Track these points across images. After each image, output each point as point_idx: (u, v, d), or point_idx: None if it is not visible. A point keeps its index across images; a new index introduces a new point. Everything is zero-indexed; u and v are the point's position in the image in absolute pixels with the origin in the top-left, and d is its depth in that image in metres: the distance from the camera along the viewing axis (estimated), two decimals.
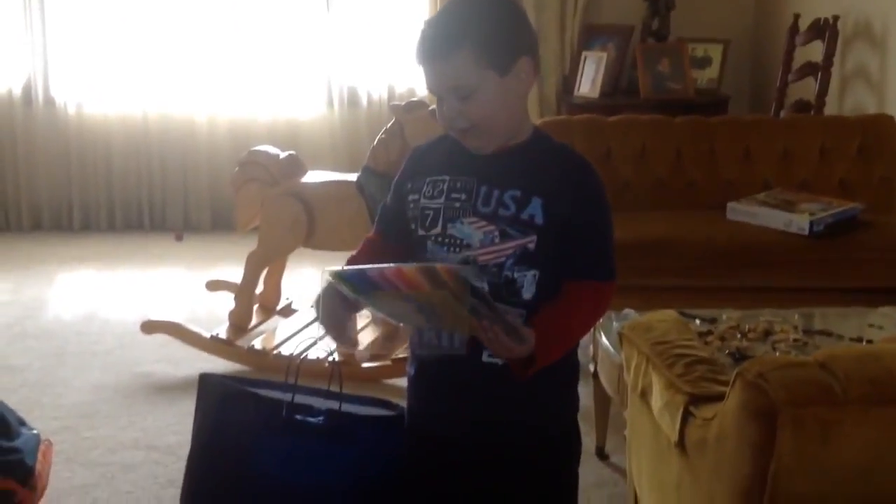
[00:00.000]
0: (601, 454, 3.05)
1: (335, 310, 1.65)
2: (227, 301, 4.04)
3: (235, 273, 4.05)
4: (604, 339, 2.86)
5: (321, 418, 1.88)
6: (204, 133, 5.61)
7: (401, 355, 3.53)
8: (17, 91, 5.56)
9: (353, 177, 3.84)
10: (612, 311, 2.92)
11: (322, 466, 1.85)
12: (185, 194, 5.72)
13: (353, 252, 1.82)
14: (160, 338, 3.87)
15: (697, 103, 5.13)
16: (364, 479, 1.85)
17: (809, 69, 4.79)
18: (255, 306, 4.04)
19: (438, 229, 1.69)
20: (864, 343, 2.64)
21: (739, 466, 1.68)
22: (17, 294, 4.65)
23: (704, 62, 5.49)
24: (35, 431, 2.79)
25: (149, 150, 5.63)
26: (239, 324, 3.91)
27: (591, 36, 5.55)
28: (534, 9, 5.35)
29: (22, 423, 2.80)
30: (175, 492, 2.20)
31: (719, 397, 1.83)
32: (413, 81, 5.57)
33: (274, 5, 5.56)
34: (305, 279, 4.67)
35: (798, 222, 3.67)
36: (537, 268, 1.66)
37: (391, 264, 1.53)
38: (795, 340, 2.64)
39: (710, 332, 2.68)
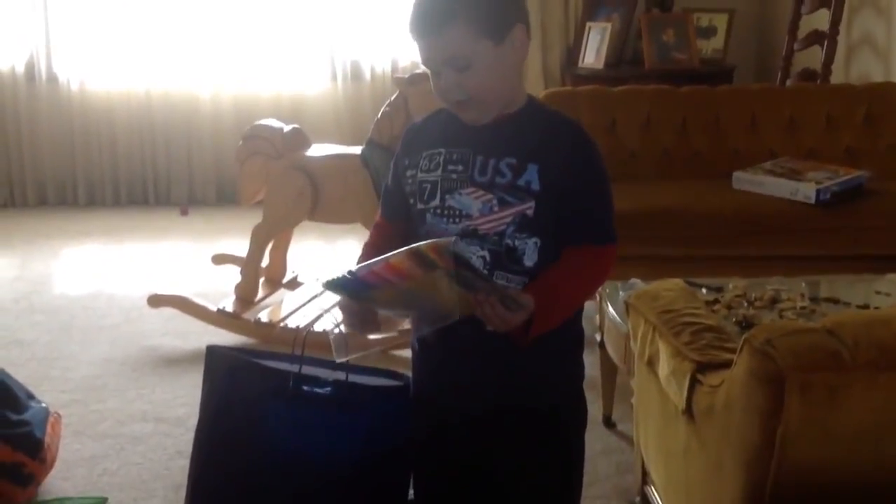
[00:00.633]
0: (608, 423, 3.06)
1: (350, 305, 1.68)
2: (233, 274, 4.05)
3: (241, 247, 4.05)
4: (610, 308, 2.86)
5: (328, 389, 1.88)
6: (208, 108, 5.60)
7: (407, 326, 3.53)
8: (21, 68, 5.55)
9: (357, 150, 3.84)
10: (619, 280, 2.92)
11: (330, 436, 1.86)
12: (189, 169, 5.72)
13: (367, 240, 1.84)
14: (167, 311, 3.88)
15: (702, 73, 5.10)
16: (371, 449, 1.85)
17: (815, 38, 4.76)
18: (261, 279, 4.05)
19: (437, 202, 1.69)
20: (871, 310, 2.64)
21: (747, 433, 1.68)
22: (23, 269, 4.66)
23: (709, 32, 5.46)
24: (43, 404, 2.81)
25: (153, 125, 5.63)
26: (245, 297, 3.92)
27: (595, 6, 5.51)
28: None
29: (30, 396, 2.82)
30: (184, 462, 2.21)
31: (726, 364, 1.83)
32: (416, 55, 5.50)
33: None
34: (311, 252, 4.69)
35: (804, 191, 3.66)
36: (538, 235, 1.65)
37: (378, 259, 1.54)
38: (802, 308, 2.64)
39: (716, 301, 2.67)
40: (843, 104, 4.10)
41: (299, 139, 3.96)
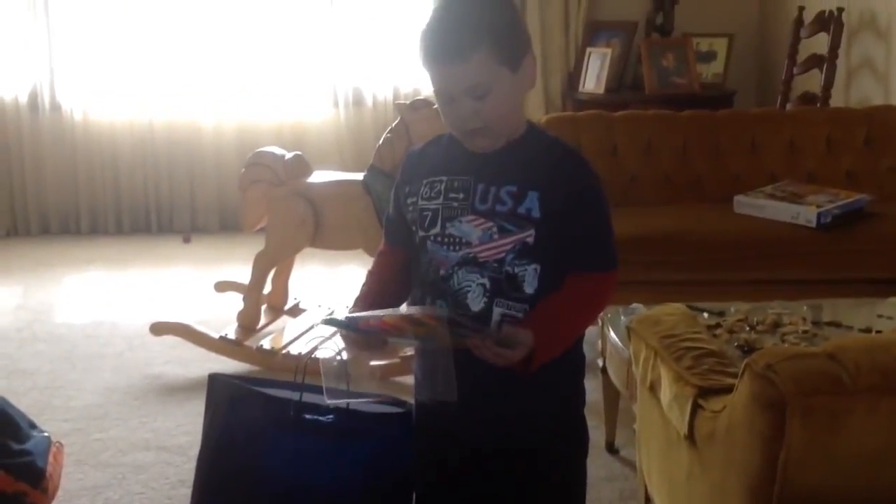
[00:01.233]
0: (611, 448, 3.05)
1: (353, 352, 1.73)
2: (235, 302, 4.05)
3: (243, 274, 4.06)
4: (612, 333, 2.86)
5: (330, 416, 1.88)
6: (210, 136, 5.63)
7: (408, 352, 3.52)
8: (24, 98, 5.58)
9: (359, 176, 3.85)
10: (620, 305, 2.92)
11: (332, 464, 1.85)
12: (192, 197, 5.73)
13: (371, 267, 1.85)
14: (169, 339, 3.88)
15: (703, 98, 5.12)
16: (374, 476, 1.85)
17: (815, 62, 4.78)
18: (264, 306, 4.05)
19: (437, 229, 1.69)
20: (873, 333, 2.63)
21: (749, 458, 1.68)
22: (26, 298, 4.67)
23: (709, 56, 5.49)
24: (46, 434, 2.80)
25: (155, 153, 5.65)
26: (247, 324, 3.92)
27: (595, 32, 5.55)
28: (538, 5, 5.36)
29: (32, 425, 2.82)
30: (186, 491, 2.21)
31: (728, 389, 1.83)
32: (417, 81, 5.57)
33: (277, 8, 5.57)
34: (313, 279, 4.69)
35: (805, 214, 3.66)
36: (538, 262, 1.66)
37: (376, 315, 1.58)
38: (804, 332, 2.63)
39: (718, 326, 2.67)
40: (843, 127, 4.11)
41: (301, 166, 3.98)
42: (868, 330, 2.68)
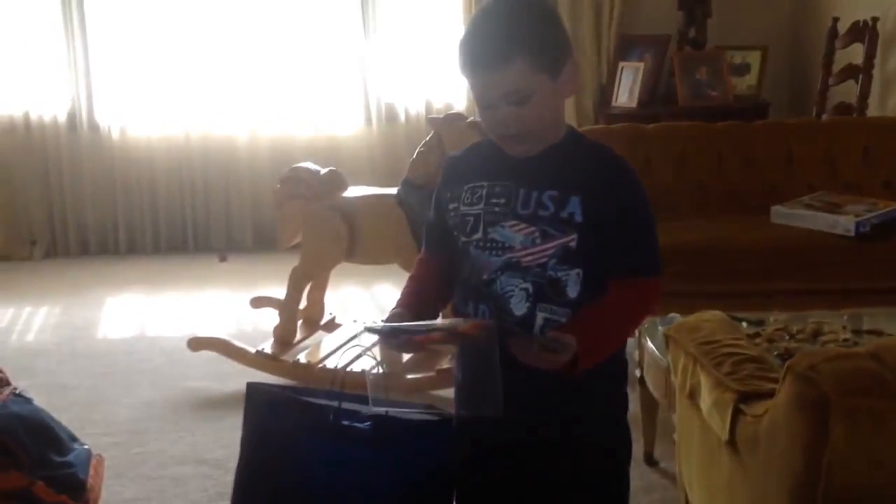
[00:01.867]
0: (650, 460, 3.02)
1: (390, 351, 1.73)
2: (271, 317, 4.07)
3: (279, 291, 4.08)
4: (649, 343, 2.84)
5: (368, 424, 1.88)
6: (245, 152, 5.68)
7: (445, 366, 3.52)
8: (63, 118, 5.66)
9: (393, 191, 3.86)
10: (657, 315, 2.90)
11: (369, 472, 1.85)
12: (227, 214, 5.78)
13: (412, 272, 1.87)
14: (206, 354, 3.90)
15: (737, 110, 5.08)
16: (412, 484, 1.84)
17: (850, 72, 4.75)
18: (300, 321, 4.07)
19: (480, 234, 1.70)
20: None
21: (792, 461, 1.66)
22: (66, 316, 4.72)
23: (743, 69, 5.46)
24: (86, 446, 2.82)
25: (192, 171, 5.71)
26: (284, 339, 3.94)
27: (627, 46, 5.54)
28: (569, 20, 5.36)
29: (74, 438, 2.84)
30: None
31: (769, 394, 1.81)
32: (450, 96, 5.61)
33: (311, 25, 5.62)
34: (348, 294, 4.70)
35: (843, 224, 3.63)
36: (580, 266, 1.66)
37: (420, 326, 1.61)
38: (845, 340, 2.60)
39: (757, 335, 2.64)
40: (879, 137, 4.08)
41: (336, 181, 4.00)
42: None
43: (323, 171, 4.00)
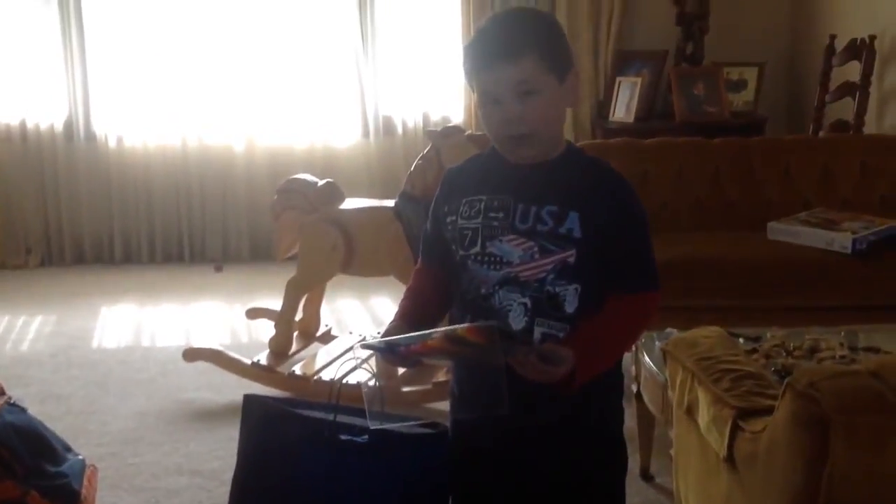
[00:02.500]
0: (645, 475, 3.02)
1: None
2: (267, 328, 4.07)
3: (275, 302, 4.07)
4: (646, 358, 2.84)
5: (365, 437, 1.87)
6: (242, 163, 5.67)
7: (441, 379, 3.52)
8: (59, 126, 5.65)
9: (390, 203, 3.86)
10: (654, 330, 2.90)
11: (366, 485, 1.85)
12: (223, 225, 5.77)
13: (409, 283, 1.87)
14: (202, 365, 3.89)
15: (734, 126, 5.10)
16: (408, 497, 1.84)
17: (847, 89, 4.77)
18: (295, 333, 4.06)
19: (478, 248, 1.70)
20: None
21: (791, 478, 1.66)
22: (61, 325, 4.70)
23: (740, 85, 5.48)
24: (80, 457, 2.81)
25: (188, 181, 5.70)
26: (279, 350, 3.93)
27: (624, 62, 5.56)
28: (567, 35, 5.32)
29: (68, 448, 2.82)
30: None
31: (768, 411, 1.81)
32: (448, 108, 5.61)
33: (309, 36, 5.63)
34: (344, 306, 4.70)
35: (840, 241, 3.63)
36: (579, 281, 1.66)
37: (417, 337, 1.59)
38: (842, 357, 2.60)
39: (754, 351, 2.64)
40: (877, 154, 4.09)
41: (333, 193, 4.00)
42: None
43: (320, 182, 4.01)
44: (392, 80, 5.63)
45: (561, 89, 1.66)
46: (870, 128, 4.73)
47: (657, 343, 2.79)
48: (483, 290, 1.68)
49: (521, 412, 1.67)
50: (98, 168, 5.68)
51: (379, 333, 1.76)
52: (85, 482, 2.72)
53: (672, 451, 2.49)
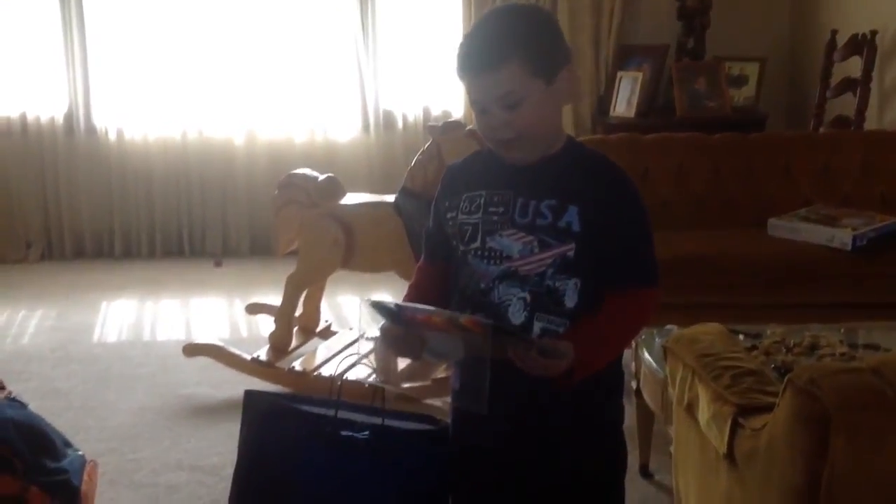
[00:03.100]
0: (645, 472, 3.02)
1: (392, 329, 1.68)
2: (267, 324, 4.06)
3: (274, 298, 4.07)
4: (646, 354, 2.84)
5: (366, 433, 1.88)
6: (242, 158, 5.67)
7: (440, 375, 3.52)
8: (60, 120, 5.65)
9: (390, 198, 3.86)
10: (654, 327, 2.89)
11: (366, 481, 1.85)
12: (224, 220, 5.77)
13: (412, 281, 1.87)
14: (202, 360, 3.89)
15: (734, 121, 5.09)
16: (408, 493, 1.84)
17: (848, 85, 4.76)
18: (295, 328, 4.06)
19: (478, 243, 1.70)
20: None
21: (792, 475, 1.66)
22: (61, 320, 4.70)
23: (741, 80, 5.47)
24: (80, 453, 2.81)
25: (189, 175, 5.69)
26: (279, 346, 3.92)
27: (626, 56, 5.55)
28: (568, 30, 5.36)
29: (67, 444, 2.82)
30: None
31: (768, 408, 1.81)
32: (448, 103, 5.61)
33: (310, 30, 5.62)
34: (344, 301, 4.69)
35: (840, 237, 3.63)
36: (578, 276, 1.66)
37: (423, 308, 1.60)
38: (842, 354, 2.60)
39: (754, 347, 2.65)
40: (877, 150, 4.08)
41: (334, 188, 3.99)
42: None
43: (321, 177, 4.00)
44: (393, 75, 5.62)
45: (549, 91, 1.64)
46: (871, 124, 4.73)
47: (657, 340, 2.80)
48: (483, 285, 1.68)
49: (522, 410, 1.68)
50: (98, 161, 5.67)
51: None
52: (85, 478, 2.72)
53: (672, 448, 2.49)
